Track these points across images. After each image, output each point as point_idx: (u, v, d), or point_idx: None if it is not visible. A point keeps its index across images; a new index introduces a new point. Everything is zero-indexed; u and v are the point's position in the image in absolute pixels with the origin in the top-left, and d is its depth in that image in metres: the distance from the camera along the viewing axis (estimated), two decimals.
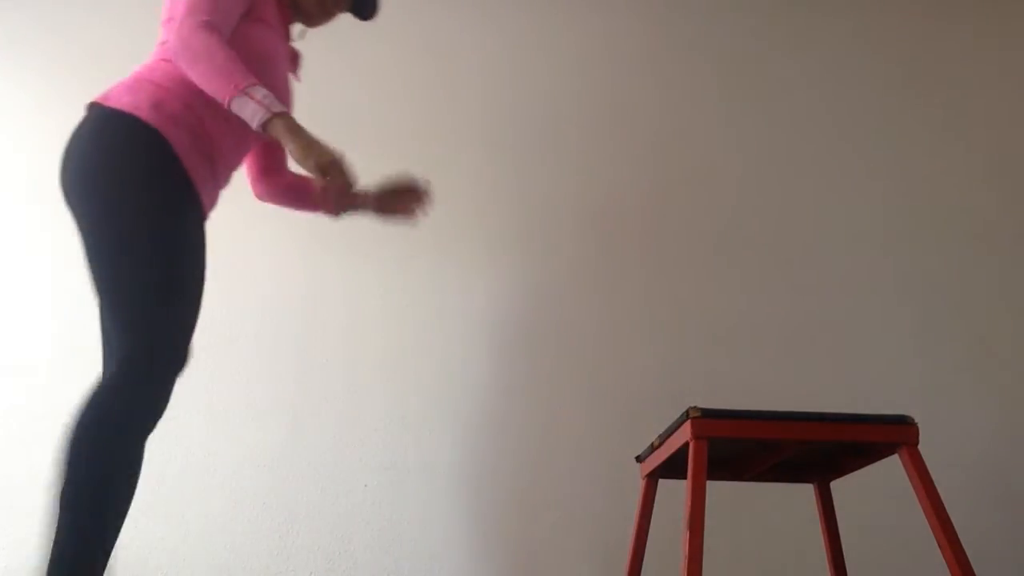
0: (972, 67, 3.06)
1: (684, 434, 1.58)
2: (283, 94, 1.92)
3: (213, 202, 1.89)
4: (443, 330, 2.78)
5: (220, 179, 1.86)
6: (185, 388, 2.72)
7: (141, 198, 1.63)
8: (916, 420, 1.59)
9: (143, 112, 1.68)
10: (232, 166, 1.89)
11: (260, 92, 1.62)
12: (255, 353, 2.77)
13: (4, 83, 3.06)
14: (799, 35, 3.10)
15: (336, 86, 3.04)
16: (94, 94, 3.02)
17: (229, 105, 1.62)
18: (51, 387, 2.73)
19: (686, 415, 1.56)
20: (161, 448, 2.66)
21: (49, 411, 2.69)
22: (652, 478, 1.93)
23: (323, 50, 3.03)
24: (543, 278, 2.84)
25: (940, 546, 1.49)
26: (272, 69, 1.86)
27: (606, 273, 2.85)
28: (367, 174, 2.78)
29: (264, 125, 1.62)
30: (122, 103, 1.70)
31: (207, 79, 1.63)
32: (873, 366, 2.75)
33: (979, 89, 3.03)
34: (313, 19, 2.10)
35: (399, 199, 2.13)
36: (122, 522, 1.55)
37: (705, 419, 1.54)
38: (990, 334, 2.78)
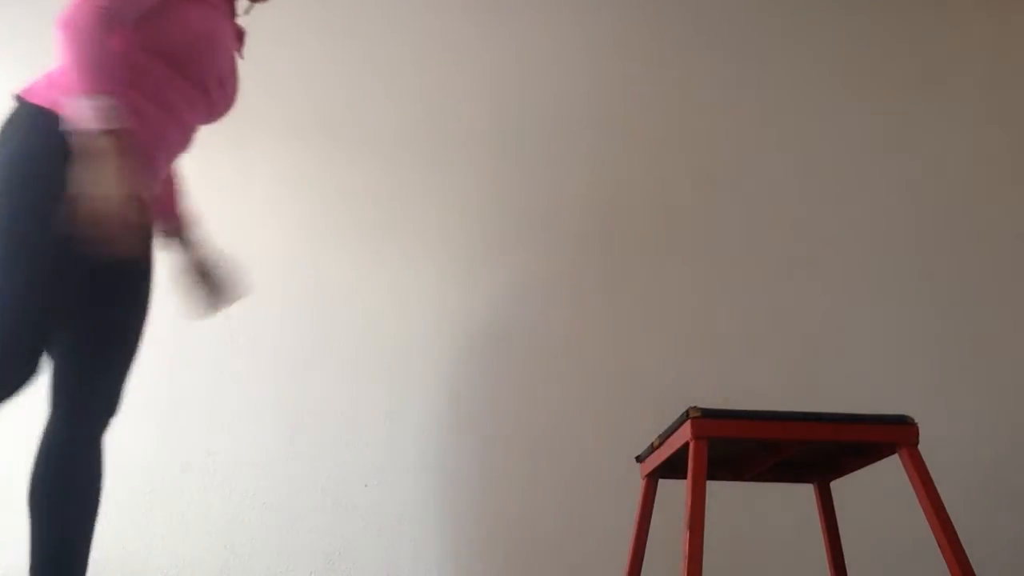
0: (975, 66, 3.06)
1: (684, 434, 1.58)
2: (228, 76, 1.85)
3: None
4: (443, 330, 2.78)
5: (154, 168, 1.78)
6: (185, 388, 2.72)
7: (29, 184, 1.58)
8: (916, 420, 1.58)
9: (56, 102, 1.63)
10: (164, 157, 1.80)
11: (106, 102, 1.52)
12: (255, 353, 2.77)
13: (3, 81, 3.06)
14: (804, 35, 3.10)
15: (338, 84, 3.04)
16: None
17: (76, 98, 1.52)
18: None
19: (686, 415, 1.56)
20: (161, 448, 2.66)
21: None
22: (652, 478, 1.93)
23: (324, 49, 3.04)
24: (544, 278, 2.84)
25: (940, 546, 1.49)
26: (215, 50, 1.78)
27: (607, 273, 2.85)
28: (370, 173, 2.78)
29: (89, 132, 1.50)
30: (36, 94, 1.66)
31: (72, 64, 1.54)
32: (873, 366, 2.75)
33: (982, 89, 3.03)
34: None
35: (208, 276, 1.96)
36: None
37: (705, 419, 1.54)
38: (990, 334, 2.78)
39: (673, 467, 1.86)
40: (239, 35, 2.00)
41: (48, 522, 1.63)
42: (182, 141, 1.84)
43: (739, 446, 1.73)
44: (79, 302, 1.70)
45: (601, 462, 2.65)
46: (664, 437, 1.73)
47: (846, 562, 2.50)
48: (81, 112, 1.51)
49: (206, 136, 2.99)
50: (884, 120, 3.00)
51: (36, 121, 1.62)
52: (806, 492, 2.61)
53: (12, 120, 1.66)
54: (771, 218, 2.90)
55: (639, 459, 1.98)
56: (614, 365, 2.75)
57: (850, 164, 2.96)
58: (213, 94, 1.83)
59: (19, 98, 1.67)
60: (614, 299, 2.82)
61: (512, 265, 2.86)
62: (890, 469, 2.55)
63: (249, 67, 3.07)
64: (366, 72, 3.07)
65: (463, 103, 3.01)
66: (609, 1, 3.14)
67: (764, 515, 2.61)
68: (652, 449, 1.84)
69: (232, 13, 1.93)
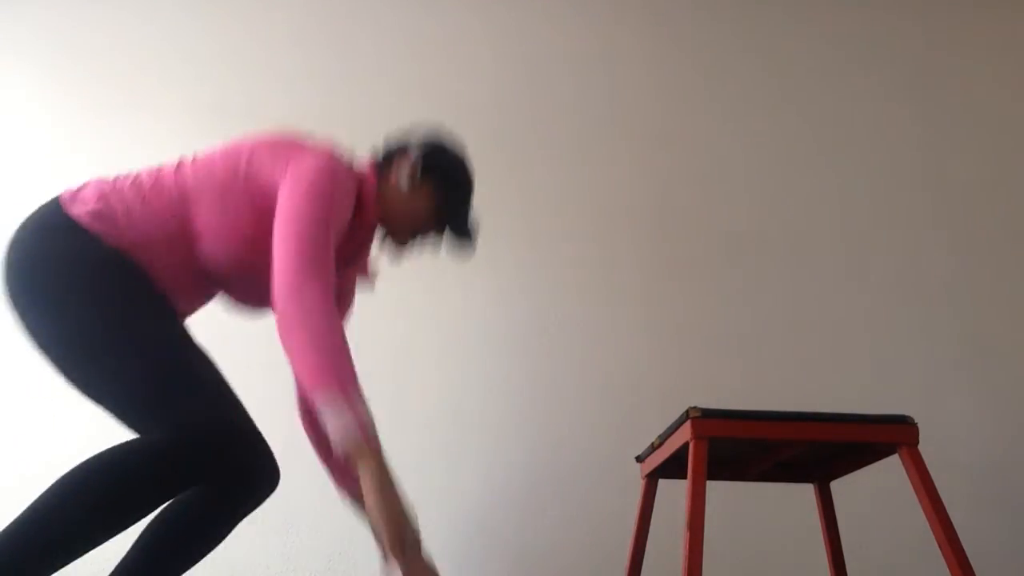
0: (976, 66, 3.06)
1: (684, 434, 1.58)
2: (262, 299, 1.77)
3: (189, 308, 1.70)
4: (443, 330, 2.78)
5: (187, 303, 1.69)
6: None
7: (104, 295, 1.46)
8: (916, 420, 1.59)
9: (111, 239, 1.51)
10: (192, 306, 1.71)
11: (364, 408, 1.39)
12: (254, 353, 2.76)
13: (4, 81, 3.06)
14: (802, 35, 3.10)
15: (341, 85, 3.04)
16: (93, 93, 3.02)
17: (315, 396, 1.39)
18: (51, 387, 2.73)
19: (686, 415, 1.56)
20: None
21: (49, 410, 2.69)
22: (652, 478, 1.93)
23: (332, 51, 3.04)
24: (544, 278, 2.84)
25: (940, 546, 1.49)
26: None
27: (606, 273, 2.85)
28: None
29: (348, 449, 1.38)
30: (84, 217, 1.51)
31: (304, 354, 1.40)
32: (873, 366, 2.75)
33: (980, 89, 3.03)
34: (400, 248, 1.84)
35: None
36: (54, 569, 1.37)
37: (705, 419, 1.54)
38: (989, 334, 2.78)
39: (673, 467, 1.85)
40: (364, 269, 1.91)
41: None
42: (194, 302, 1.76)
43: (739, 446, 1.73)
44: None
45: (601, 462, 2.65)
46: (664, 437, 1.73)
47: (846, 562, 2.50)
48: (339, 421, 1.37)
49: (208, 140, 3.00)
50: (884, 120, 3.00)
51: (81, 239, 1.49)
52: (806, 492, 2.61)
53: (51, 224, 1.52)
54: (771, 218, 2.90)
55: (639, 459, 1.98)
56: (614, 365, 2.75)
57: (850, 164, 2.96)
58: (255, 299, 1.78)
59: (59, 205, 1.55)
60: (613, 299, 2.82)
61: (512, 265, 2.85)
62: (890, 469, 2.55)
63: (255, 69, 3.08)
64: (368, 72, 3.07)
65: (463, 103, 3.01)
66: (605, 1, 3.14)
67: (764, 515, 2.61)
68: (652, 449, 1.84)
69: (357, 255, 1.82)
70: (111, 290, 1.45)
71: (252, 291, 1.68)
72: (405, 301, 2.81)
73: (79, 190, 1.58)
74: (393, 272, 2.84)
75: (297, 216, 1.48)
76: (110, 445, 1.38)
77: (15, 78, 3.05)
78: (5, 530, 1.35)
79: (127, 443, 1.38)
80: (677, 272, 2.85)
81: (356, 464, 1.39)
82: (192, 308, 1.72)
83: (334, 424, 1.38)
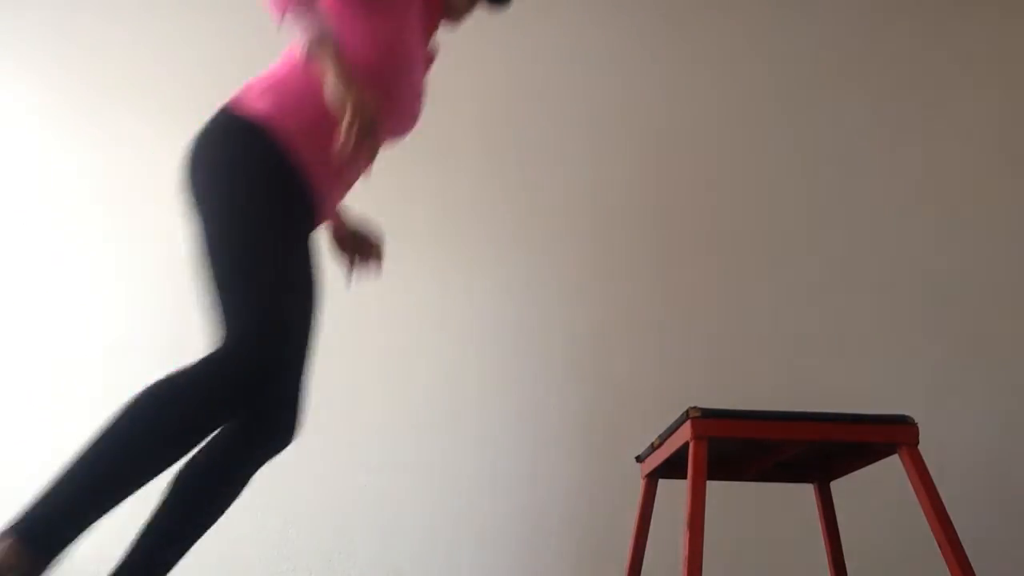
0: (977, 66, 3.06)
1: (684, 434, 1.58)
2: (414, 101, 1.82)
3: (326, 215, 1.82)
4: (443, 330, 2.78)
5: (336, 194, 1.79)
6: None
7: (265, 207, 1.58)
8: (916, 420, 1.58)
9: (276, 122, 1.62)
10: (349, 181, 1.81)
11: (317, 17, 1.55)
12: None
13: (4, 80, 3.06)
14: (800, 35, 3.10)
15: None
16: (94, 92, 3.02)
17: (275, 20, 1.55)
18: (51, 386, 2.73)
19: (686, 415, 1.56)
20: None
21: (49, 410, 2.70)
22: (652, 478, 1.93)
23: None
24: (543, 278, 2.84)
25: (940, 546, 1.49)
26: (413, 68, 1.76)
27: (606, 273, 2.85)
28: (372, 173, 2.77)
29: (307, 51, 1.55)
30: (256, 111, 1.63)
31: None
32: (873, 366, 2.75)
33: (983, 88, 3.03)
34: (460, 16, 1.94)
35: (359, 244, 1.95)
36: (115, 503, 1.49)
37: (705, 419, 1.54)
38: (991, 333, 2.78)
39: (673, 467, 1.85)
40: (429, 60, 1.98)
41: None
42: (356, 170, 1.81)
43: (739, 446, 1.73)
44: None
45: (601, 462, 2.65)
46: (664, 437, 1.73)
47: (846, 562, 2.50)
48: (303, 25, 1.54)
49: None
50: (886, 119, 3.00)
51: (253, 136, 1.61)
52: (806, 492, 2.61)
53: (226, 132, 1.63)
54: (771, 218, 2.90)
55: (639, 459, 1.98)
56: (614, 365, 2.75)
57: (851, 164, 2.96)
58: (403, 112, 1.79)
59: (228, 110, 1.64)
60: (613, 299, 2.82)
61: (512, 265, 2.86)
62: (890, 469, 2.55)
63: (257, 68, 3.08)
64: None
65: (463, 104, 3.01)
66: (606, 2, 3.13)
67: (764, 515, 2.61)
68: (652, 449, 1.84)
69: (429, 39, 1.91)
70: (256, 205, 1.58)
71: (404, 101, 1.78)
72: (406, 301, 2.82)
73: (239, 93, 1.69)
74: (393, 272, 2.84)
75: None
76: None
77: (14, 76, 3.05)
78: (67, 465, 1.44)
79: (175, 373, 1.52)
80: (678, 272, 2.85)
81: (318, 63, 1.54)
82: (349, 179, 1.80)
83: (299, 38, 1.55)
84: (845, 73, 3.05)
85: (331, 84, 1.52)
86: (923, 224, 2.90)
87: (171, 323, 2.78)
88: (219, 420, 1.51)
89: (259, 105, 1.64)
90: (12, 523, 1.37)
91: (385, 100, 1.71)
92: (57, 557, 1.40)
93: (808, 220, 2.90)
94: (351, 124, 1.50)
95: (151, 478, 1.50)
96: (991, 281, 2.83)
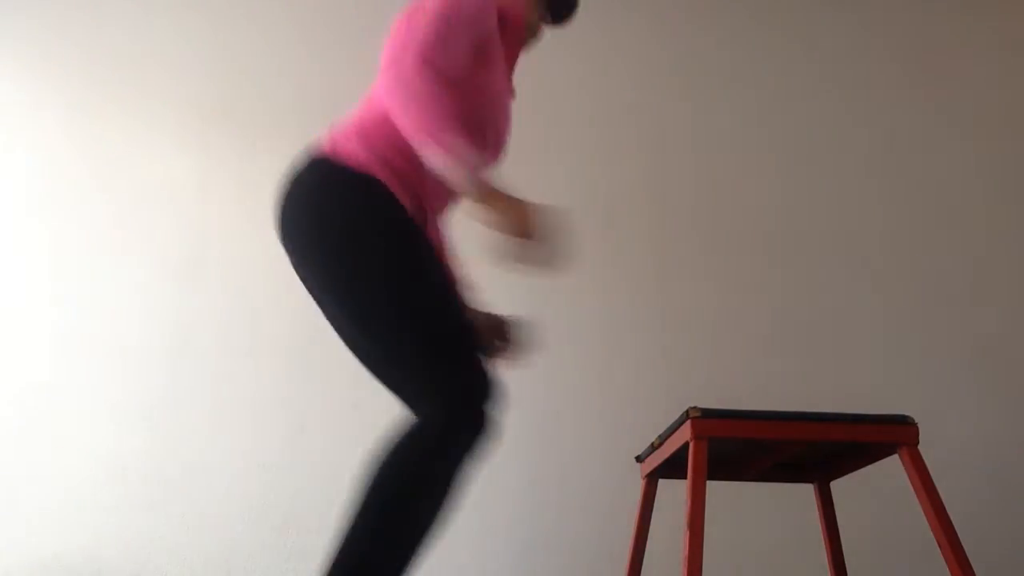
0: (974, 65, 3.06)
1: (684, 434, 1.58)
2: (502, 135, 1.78)
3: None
4: None
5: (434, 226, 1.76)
6: (185, 387, 2.72)
7: (406, 258, 1.50)
8: (916, 420, 1.58)
9: (374, 169, 1.56)
10: (441, 215, 1.78)
11: (466, 152, 1.47)
12: (255, 353, 2.77)
13: (2, 74, 3.06)
14: (801, 37, 3.10)
15: (346, 85, 3.04)
16: (91, 93, 3.02)
17: (432, 157, 1.48)
18: (51, 386, 2.73)
19: (686, 415, 1.56)
20: (161, 448, 2.66)
21: (48, 410, 2.69)
22: (652, 478, 1.93)
23: (326, 48, 3.03)
24: (543, 278, 2.84)
25: (940, 546, 1.49)
26: (503, 111, 1.73)
27: (606, 273, 2.85)
28: None
29: (468, 196, 1.48)
30: (350, 157, 1.57)
31: (415, 123, 1.47)
32: (873, 366, 2.75)
33: (983, 88, 3.03)
34: (535, 36, 1.90)
35: (493, 332, 1.87)
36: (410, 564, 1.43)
37: (705, 419, 1.54)
38: (990, 334, 2.78)
39: (673, 467, 1.85)
40: (511, 90, 1.94)
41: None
42: (457, 199, 1.79)
43: (739, 446, 1.73)
44: None
45: (601, 462, 2.65)
46: (664, 437, 1.73)
47: (846, 562, 2.50)
48: (454, 172, 1.47)
49: (211, 138, 3.00)
50: (886, 120, 3.00)
51: (364, 188, 1.54)
52: (806, 492, 2.61)
53: (328, 182, 1.56)
54: (772, 218, 2.91)
55: (639, 459, 1.98)
56: (615, 365, 2.75)
57: (852, 164, 2.96)
58: (491, 151, 1.77)
59: (328, 160, 1.57)
60: (613, 299, 2.82)
61: (510, 265, 2.85)
62: (890, 469, 2.55)
63: (258, 67, 3.08)
64: (373, 73, 3.07)
65: None
66: (606, 4, 3.13)
67: (764, 515, 2.61)
68: (652, 449, 1.84)
69: (513, 68, 1.88)
70: (386, 255, 1.51)
71: (492, 128, 1.73)
72: None
73: (333, 139, 1.63)
74: None
75: (425, 14, 1.56)
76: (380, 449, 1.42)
77: (12, 73, 3.05)
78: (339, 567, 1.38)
79: (398, 449, 1.42)
80: (678, 272, 2.85)
81: (480, 204, 1.48)
82: (447, 202, 1.75)
83: (451, 176, 1.48)
84: (845, 73, 3.05)
85: (499, 221, 1.46)
86: (924, 224, 2.90)
87: (170, 322, 2.78)
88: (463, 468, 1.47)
89: (361, 154, 1.57)
90: None
91: (484, 143, 1.68)
92: None
93: (808, 220, 2.90)
94: (532, 249, 1.44)
95: (433, 534, 1.46)
96: (992, 281, 2.83)
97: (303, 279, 1.60)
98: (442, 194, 1.68)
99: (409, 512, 1.40)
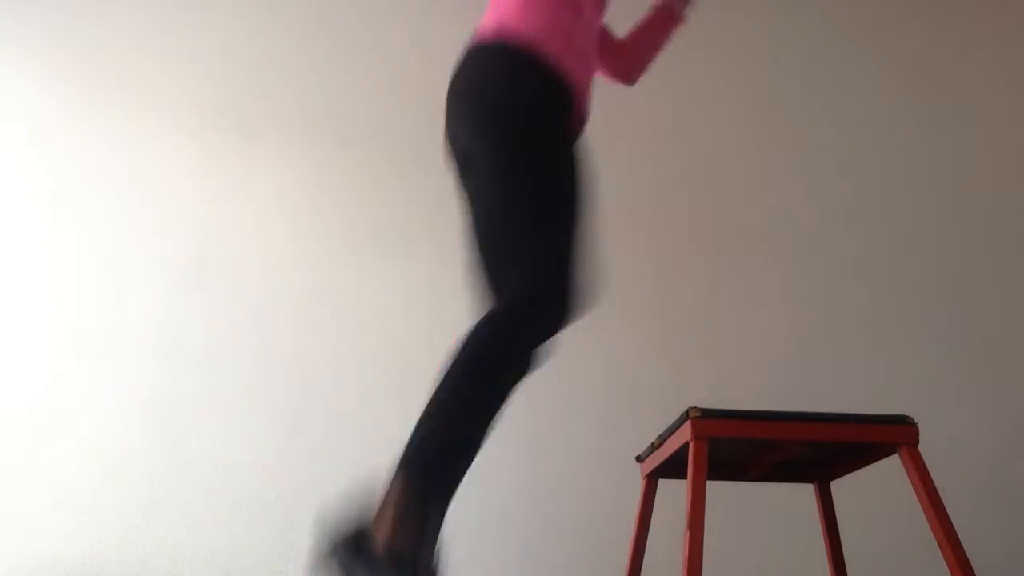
0: (974, 66, 3.06)
1: (684, 434, 1.58)
2: (591, 50, 1.82)
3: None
4: (444, 329, 2.78)
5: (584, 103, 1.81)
6: (185, 387, 2.72)
7: (557, 139, 1.61)
8: (916, 420, 1.58)
9: (541, 45, 1.63)
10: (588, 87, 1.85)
11: None
12: (255, 353, 2.77)
13: (3, 74, 3.06)
14: (801, 36, 3.10)
15: (348, 86, 3.04)
16: (91, 85, 3.03)
17: None
18: (51, 386, 2.73)
19: (686, 415, 1.56)
20: (161, 448, 2.66)
21: (49, 410, 2.69)
22: (652, 478, 1.93)
23: (326, 48, 3.03)
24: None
25: (940, 546, 1.49)
26: (592, 58, 1.78)
27: (606, 273, 2.85)
28: (376, 173, 2.78)
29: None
30: (521, 38, 1.64)
31: None
32: (873, 366, 2.75)
33: (983, 89, 3.03)
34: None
35: None
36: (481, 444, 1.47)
37: (705, 419, 1.54)
38: (990, 334, 2.78)
39: (673, 467, 1.85)
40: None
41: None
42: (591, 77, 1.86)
43: (739, 446, 1.73)
44: None
45: (601, 462, 2.65)
46: (664, 437, 1.73)
47: (846, 562, 2.50)
48: None
49: (211, 137, 3.00)
50: (885, 120, 3.00)
51: (531, 65, 1.62)
52: (806, 492, 2.61)
53: (500, 62, 1.63)
54: (772, 219, 2.90)
55: (639, 459, 1.98)
56: (614, 365, 2.75)
57: (852, 164, 2.96)
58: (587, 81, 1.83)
59: (497, 39, 1.64)
60: (613, 299, 2.82)
61: None
62: (890, 469, 2.55)
63: (258, 67, 3.08)
64: (374, 73, 3.07)
65: None
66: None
67: (764, 515, 2.61)
68: (652, 449, 1.84)
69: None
70: (553, 152, 1.60)
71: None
72: (407, 301, 2.81)
73: (495, 22, 1.69)
74: (394, 272, 2.85)
75: None
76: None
77: (14, 73, 3.05)
78: (421, 438, 1.42)
79: (477, 331, 1.50)
80: (678, 272, 2.85)
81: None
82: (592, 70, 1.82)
83: None
84: (846, 72, 3.05)
85: None
86: (924, 224, 2.90)
87: (170, 322, 2.78)
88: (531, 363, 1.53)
89: (525, 29, 1.64)
90: (402, 468, 1.37)
91: (588, 69, 1.75)
92: (449, 499, 1.41)
93: (809, 220, 2.90)
94: None
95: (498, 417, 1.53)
96: (992, 281, 2.83)
97: (453, 137, 1.67)
98: (586, 65, 1.76)
99: (497, 380, 1.46)
